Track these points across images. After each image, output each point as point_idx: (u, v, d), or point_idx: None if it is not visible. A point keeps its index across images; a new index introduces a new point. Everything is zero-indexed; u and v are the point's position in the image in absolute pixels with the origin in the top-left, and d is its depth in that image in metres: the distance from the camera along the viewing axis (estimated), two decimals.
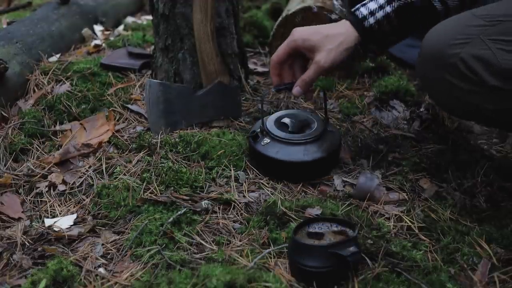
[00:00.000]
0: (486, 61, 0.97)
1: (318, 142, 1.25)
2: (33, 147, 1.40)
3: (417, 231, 1.10)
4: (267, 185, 1.24)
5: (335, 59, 1.15)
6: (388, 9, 1.14)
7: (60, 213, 1.18)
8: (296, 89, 1.21)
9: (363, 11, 1.16)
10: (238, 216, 1.15)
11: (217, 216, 1.14)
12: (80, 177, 1.28)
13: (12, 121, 1.48)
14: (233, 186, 1.23)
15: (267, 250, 1.02)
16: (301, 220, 1.07)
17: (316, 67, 1.16)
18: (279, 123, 1.30)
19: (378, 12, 1.15)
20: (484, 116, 1.07)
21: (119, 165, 1.29)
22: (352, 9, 1.19)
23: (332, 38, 1.15)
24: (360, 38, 1.16)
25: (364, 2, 1.18)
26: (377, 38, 1.18)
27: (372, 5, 1.16)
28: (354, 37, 1.16)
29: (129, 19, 2.47)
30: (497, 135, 1.46)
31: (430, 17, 1.14)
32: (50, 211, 1.19)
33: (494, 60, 0.96)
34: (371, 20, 1.15)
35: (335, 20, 1.60)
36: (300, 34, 1.18)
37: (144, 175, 1.23)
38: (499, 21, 1.00)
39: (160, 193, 1.18)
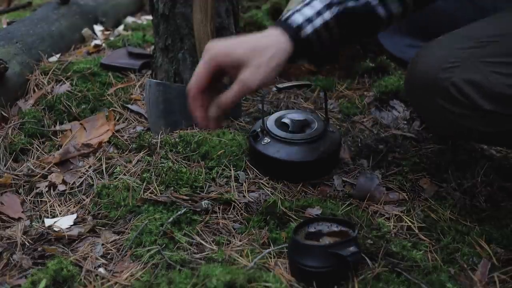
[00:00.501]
0: (477, 84, 0.94)
1: (318, 142, 1.25)
2: (33, 147, 1.40)
3: (417, 231, 1.10)
4: (267, 185, 1.24)
5: (265, 77, 0.92)
6: (327, 15, 0.95)
7: (60, 213, 1.18)
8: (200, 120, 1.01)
9: (298, 18, 0.95)
10: (238, 216, 1.15)
11: (217, 216, 1.14)
12: (80, 177, 1.28)
13: (12, 121, 1.48)
14: (233, 186, 1.23)
15: (267, 250, 1.02)
16: (301, 220, 1.07)
17: (240, 87, 0.92)
18: (279, 123, 1.30)
19: (316, 19, 0.95)
20: (477, 138, 1.05)
21: (119, 165, 1.29)
22: (283, 17, 0.97)
23: (261, 51, 0.92)
24: (293, 50, 0.95)
25: (296, 8, 0.97)
26: (313, 51, 0.98)
27: (308, 11, 0.95)
28: (287, 50, 0.94)
29: (129, 19, 2.47)
30: None
31: (372, 24, 0.99)
32: (50, 211, 1.19)
33: (486, 83, 0.94)
34: (309, 29, 0.94)
35: None
36: (220, 48, 0.94)
37: (144, 175, 1.23)
38: (488, 42, 0.97)
39: (160, 193, 1.18)
